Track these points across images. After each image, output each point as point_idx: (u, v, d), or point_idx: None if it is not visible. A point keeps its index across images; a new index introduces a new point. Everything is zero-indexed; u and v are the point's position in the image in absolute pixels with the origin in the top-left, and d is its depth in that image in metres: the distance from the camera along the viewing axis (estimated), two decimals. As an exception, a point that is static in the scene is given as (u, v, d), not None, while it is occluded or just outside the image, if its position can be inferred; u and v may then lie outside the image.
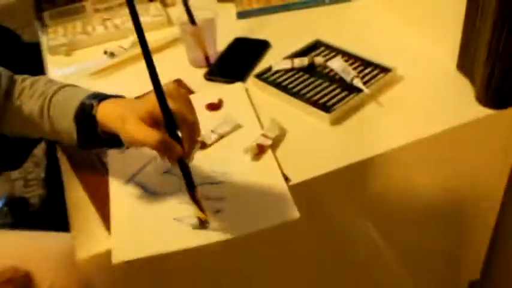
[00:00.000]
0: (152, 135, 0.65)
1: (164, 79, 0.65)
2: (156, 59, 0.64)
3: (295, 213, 0.72)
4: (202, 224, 0.72)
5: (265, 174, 0.78)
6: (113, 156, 0.84)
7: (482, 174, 0.95)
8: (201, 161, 0.80)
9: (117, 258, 0.69)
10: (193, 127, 0.67)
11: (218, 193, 0.76)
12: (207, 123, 0.86)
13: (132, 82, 0.94)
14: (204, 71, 1.01)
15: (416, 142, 0.82)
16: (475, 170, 0.94)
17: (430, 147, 0.85)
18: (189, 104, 0.68)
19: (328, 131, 0.86)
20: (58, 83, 0.81)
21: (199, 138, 0.82)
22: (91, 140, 0.76)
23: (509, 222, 1.04)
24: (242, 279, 0.84)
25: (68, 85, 0.81)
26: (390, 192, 0.88)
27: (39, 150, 1.76)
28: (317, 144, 0.84)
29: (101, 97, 0.74)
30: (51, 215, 1.51)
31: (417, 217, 0.94)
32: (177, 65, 1.04)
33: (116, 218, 0.74)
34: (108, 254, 0.70)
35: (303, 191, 0.77)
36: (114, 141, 0.73)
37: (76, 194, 0.80)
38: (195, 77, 1.00)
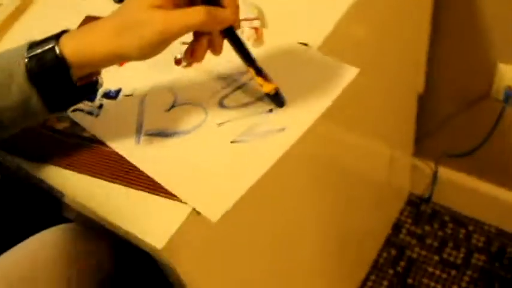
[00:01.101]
0: (194, 10, 0.50)
1: (65, 23, 0.54)
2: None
3: (353, 69, 0.62)
4: (278, 99, 0.61)
5: (284, 52, 0.66)
6: (94, 125, 0.64)
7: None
8: (204, 77, 0.65)
9: (214, 215, 0.53)
10: None
11: (258, 94, 0.63)
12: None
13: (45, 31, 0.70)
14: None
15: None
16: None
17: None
18: None
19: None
20: None
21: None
22: (64, 97, 0.54)
23: (440, 33, 1.07)
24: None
25: None
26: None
27: None
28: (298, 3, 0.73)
29: (51, 37, 0.53)
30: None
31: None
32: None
33: (169, 179, 0.57)
34: (191, 220, 0.55)
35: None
36: (90, 87, 0.56)
37: (79, 188, 0.60)
38: (103, 5, 0.79)
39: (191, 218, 0.55)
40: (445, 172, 1.35)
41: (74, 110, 0.66)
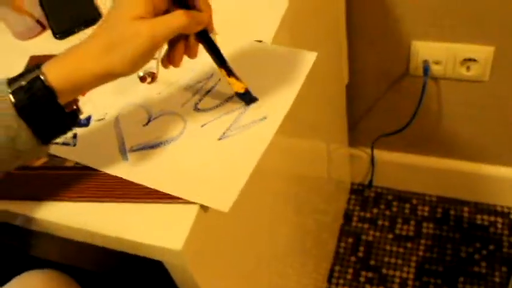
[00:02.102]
0: (175, 15, 0.53)
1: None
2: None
3: (311, 53, 0.67)
4: (248, 97, 0.64)
5: (243, 51, 0.70)
6: (75, 153, 0.64)
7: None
8: (172, 89, 0.68)
9: (225, 206, 0.55)
10: None
11: (229, 93, 0.66)
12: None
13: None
14: (44, 37, 0.81)
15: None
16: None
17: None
18: None
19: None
20: None
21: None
22: (54, 126, 0.54)
23: (354, 21, 1.16)
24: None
25: None
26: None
27: None
28: (239, 7, 0.77)
29: (31, 68, 0.52)
30: None
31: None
32: (15, 52, 0.81)
33: (170, 184, 0.58)
34: (201, 219, 0.56)
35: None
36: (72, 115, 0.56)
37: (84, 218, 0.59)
38: (45, 47, 0.79)
39: (200, 215, 0.56)
40: (380, 155, 1.44)
41: (48, 145, 0.66)
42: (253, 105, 0.64)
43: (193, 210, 0.56)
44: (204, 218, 0.57)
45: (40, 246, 0.82)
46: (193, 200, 0.56)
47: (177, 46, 0.57)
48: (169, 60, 0.57)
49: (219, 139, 0.61)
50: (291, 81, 0.65)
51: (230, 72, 0.62)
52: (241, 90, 0.63)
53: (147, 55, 0.52)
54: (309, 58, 0.67)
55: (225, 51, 0.70)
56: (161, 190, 0.58)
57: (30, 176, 0.63)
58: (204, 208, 0.57)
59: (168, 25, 0.52)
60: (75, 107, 0.56)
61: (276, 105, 0.63)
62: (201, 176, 0.58)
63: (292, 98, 0.63)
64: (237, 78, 0.62)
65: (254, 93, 0.64)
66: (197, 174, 0.59)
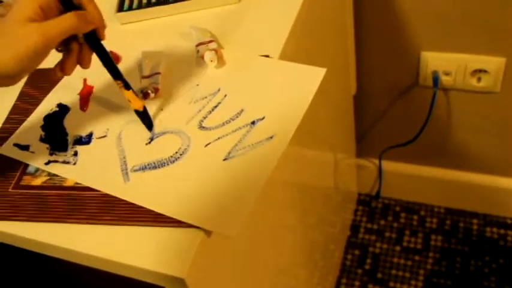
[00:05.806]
0: (65, 16, 0.54)
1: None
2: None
3: (320, 69, 0.65)
4: (146, 116, 0.64)
5: (249, 66, 0.68)
6: (74, 173, 0.62)
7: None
8: (176, 105, 0.66)
9: (231, 230, 0.53)
10: None
11: (236, 110, 0.63)
12: (132, 73, 0.70)
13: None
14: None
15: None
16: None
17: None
18: None
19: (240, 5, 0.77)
20: None
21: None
22: None
23: (362, 33, 1.14)
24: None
25: None
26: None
27: None
28: (245, 21, 0.75)
29: None
30: None
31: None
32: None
33: (172, 207, 0.56)
34: (205, 244, 0.54)
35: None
36: None
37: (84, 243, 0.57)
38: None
39: (204, 241, 0.54)
40: (388, 166, 1.41)
41: (48, 163, 0.64)
42: (259, 124, 0.61)
43: (197, 234, 0.54)
44: (208, 242, 0.55)
45: None
46: (196, 225, 0.54)
47: (71, 55, 0.57)
48: (61, 68, 0.57)
49: (224, 159, 0.59)
50: (298, 99, 0.63)
51: (127, 86, 0.62)
52: (140, 109, 0.63)
53: (38, 55, 0.52)
54: (318, 74, 0.64)
55: (232, 66, 0.69)
56: (163, 213, 0.56)
57: (28, 195, 0.61)
58: (207, 233, 0.54)
59: (59, 27, 0.53)
60: None
61: (283, 123, 0.61)
62: (204, 198, 0.56)
63: (300, 117, 0.61)
64: (136, 94, 0.62)
65: (261, 110, 0.62)
66: (201, 197, 0.56)
